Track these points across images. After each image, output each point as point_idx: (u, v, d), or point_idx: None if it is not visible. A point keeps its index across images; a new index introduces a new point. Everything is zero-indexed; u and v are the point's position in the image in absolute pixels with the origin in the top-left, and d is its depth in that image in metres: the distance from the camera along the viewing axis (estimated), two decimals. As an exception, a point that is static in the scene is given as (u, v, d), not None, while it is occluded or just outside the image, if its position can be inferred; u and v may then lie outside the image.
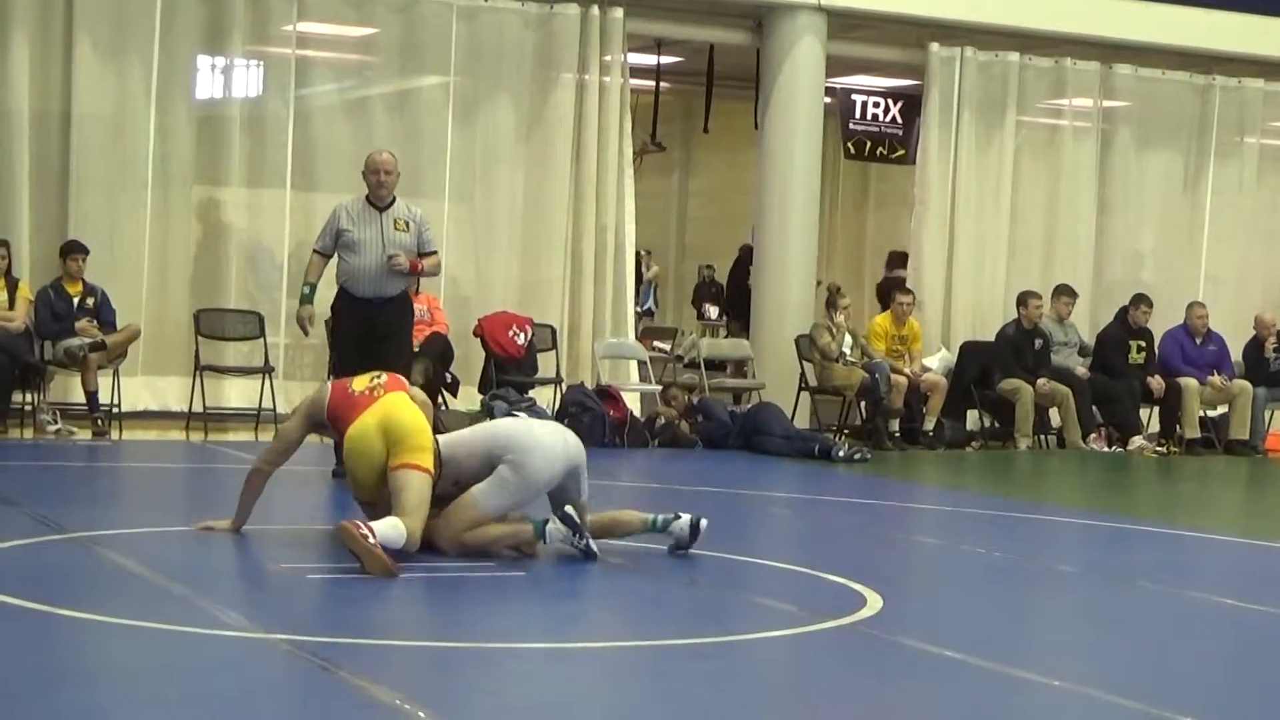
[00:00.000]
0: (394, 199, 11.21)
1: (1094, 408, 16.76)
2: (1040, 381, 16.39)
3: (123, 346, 14.22)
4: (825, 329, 16.08)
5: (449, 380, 14.90)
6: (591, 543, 8.25)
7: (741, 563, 8.79)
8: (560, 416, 14.84)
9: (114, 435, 13.93)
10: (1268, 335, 17.60)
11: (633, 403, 15.77)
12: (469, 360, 15.49)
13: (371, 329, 11.03)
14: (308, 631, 6.53)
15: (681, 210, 24.44)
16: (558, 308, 16.22)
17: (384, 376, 8.65)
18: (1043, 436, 16.91)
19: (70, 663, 6.06)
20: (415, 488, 8.07)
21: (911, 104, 18.14)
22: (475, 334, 15.47)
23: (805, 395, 16.37)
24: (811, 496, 12.67)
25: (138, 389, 14.84)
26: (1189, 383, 16.96)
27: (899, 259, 18.91)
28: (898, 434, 16.12)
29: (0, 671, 5.74)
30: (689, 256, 24.10)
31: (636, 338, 17.24)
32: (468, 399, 15.13)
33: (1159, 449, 16.75)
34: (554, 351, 16.00)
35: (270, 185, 15.43)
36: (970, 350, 17.05)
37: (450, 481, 8.28)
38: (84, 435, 13.72)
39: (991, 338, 17.03)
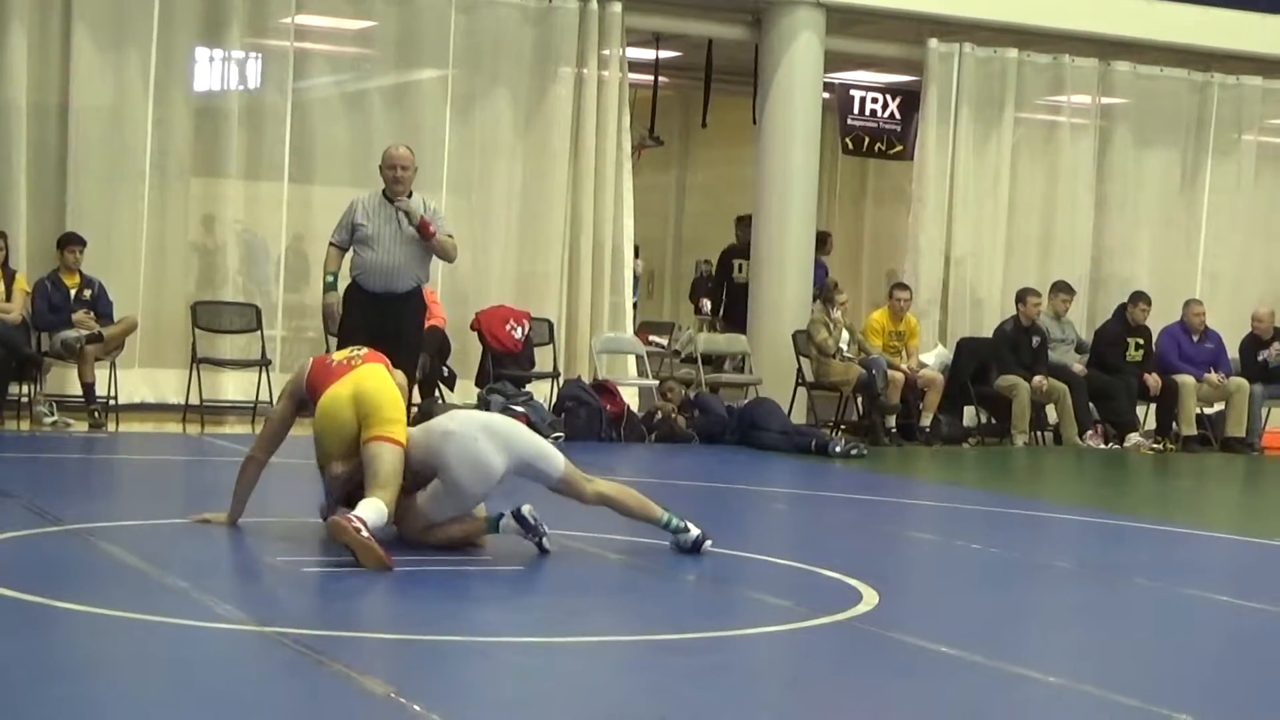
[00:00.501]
0: (410, 194, 11.22)
1: (1090, 404, 16.77)
2: (1037, 378, 16.39)
3: (120, 338, 14.21)
4: (822, 325, 16.08)
5: (446, 374, 14.90)
6: (545, 541, 8.22)
7: (738, 558, 8.79)
8: (557, 411, 14.86)
9: (111, 427, 13.93)
10: (1265, 332, 17.57)
11: (630, 397, 15.77)
12: (466, 354, 15.50)
13: (381, 324, 10.99)
14: (303, 624, 6.54)
15: (679, 205, 24.44)
16: (555, 302, 16.22)
17: (364, 350, 8.67)
18: (1039, 433, 16.91)
19: (67, 655, 6.07)
20: (387, 459, 8.07)
21: (910, 100, 18.15)
22: (472, 328, 15.47)
23: (802, 391, 16.37)
24: (808, 492, 12.67)
25: (135, 381, 14.83)
26: (1186, 380, 16.97)
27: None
28: (894, 430, 16.12)
29: (-4, 663, 5.74)
30: (686, 251, 24.09)
31: (634, 332, 17.24)
32: (464, 393, 15.14)
33: (1155, 446, 16.75)
34: (551, 345, 16.00)
35: (268, 178, 15.42)
36: (967, 346, 17.06)
37: (410, 472, 8.24)
38: (81, 427, 13.71)
39: (989, 334, 17.04)
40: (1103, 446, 16.57)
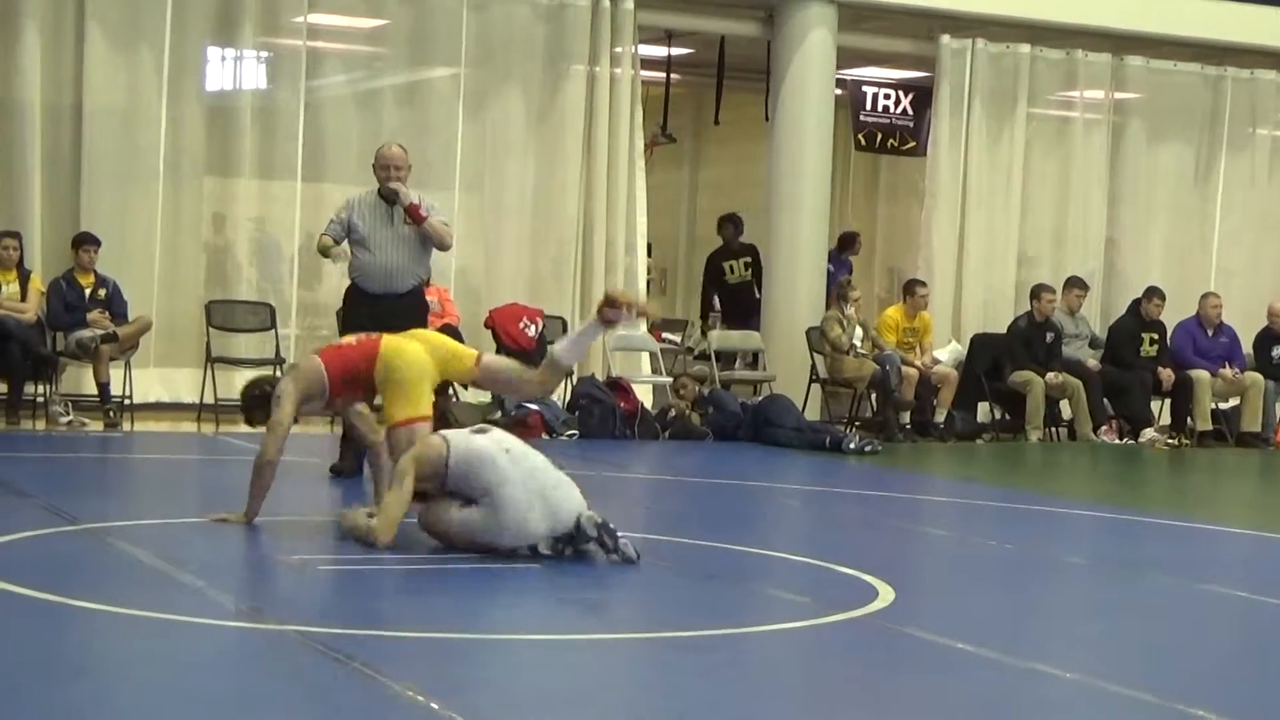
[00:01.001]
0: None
1: (1105, 400, 16.75)
2: (1051, 374, 16.38)
3: (134, 338, 14.23)
4: (836, 321, 16.08)
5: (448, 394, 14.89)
6: (543, 545, 8.15)
7: (752, 555, 8.79)
8: (571, 409, 14.86)
9: (125, 427, 13.94)
10: (1280, 326, 17.56)
11: (644, 395, 15.77)
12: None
13: (384, 325, 10.95)
14: (319, 622, 6.54)
15: (691, 202, 24.41)
16: (568, 299, 16.22)
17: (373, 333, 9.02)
18: (1054, 429, 16.89)
19: (82, 653, 6.08)
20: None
21: (922, 96, 18.14)
22: (486, 326, 15.47)
23: (816, 387, 16.37)
24: (822, 488, 12.66)
25: (149, 380, 14.84)
26: (1200, 375, 16.95)
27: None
28: (908, 426, 16.12)
29: (13, 661, 5.75)
30: (699, 248, 24.05)
31: (648, 330, 17.23)
32: (478, 392, 15.13)
33: (1170, 441, 16.72)
34: (564, 343, 15.96)
35: (281, 177, 15.43)
36: (981, 342, 17.04)
37: (448, 480, 8.18)
38: (96, 427, 13.73)
39: (1002, 330, 17.02)
40: (1117, 442, 16.55)
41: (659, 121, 19.18)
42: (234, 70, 15.82)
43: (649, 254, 22.90)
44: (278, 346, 14.92)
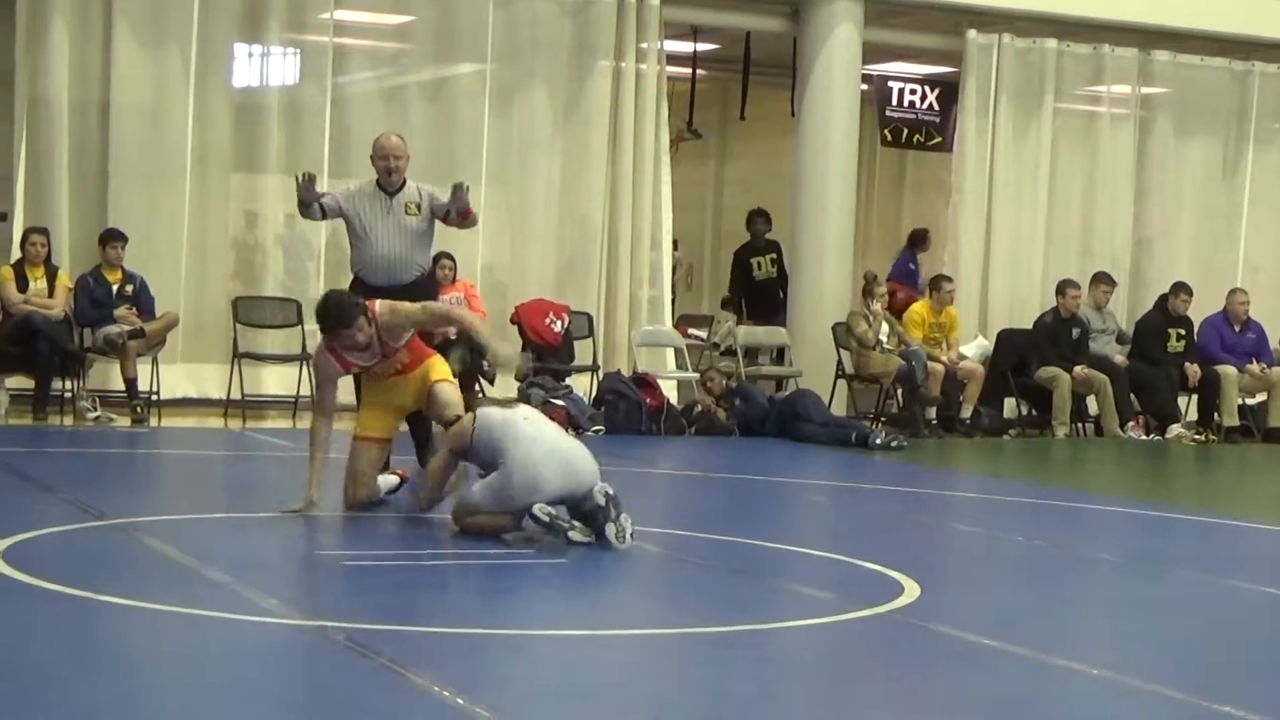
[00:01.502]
0: (404, 183, 10.90)
1: (1131, 396, 16.72)
2: (1078, 370, 16.35)
3: (161, 334, 14.27)
4: (862, 317, 16.06)
5: (485, 368, 14.91)
6: (574, 533, 8.24)
7: (778, 550, 8.79)
8: (597, 404, 14.88)
9: (153, 422, 13.98)
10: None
11: (669, 390, 15.77)
12: (505, 348, 15.50)
13: None
14: (347, 618, 6.55)
15: (717, 198, 24.40)
16: (594, 295, 16.23)
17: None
18: (1080, 425, 16.87)
19: (110, 648, 6.10)
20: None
21: (948, 91, 18.11)
22: (512, 321, 15.49)
23: (842, 383, 16.36)
24: (848, 484, 12.66)
25: (176, 376, 14.89)
26: (1227, 370, 16.90)
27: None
28: (934, 422, 16.09)
29: (41, 656, 5.77)
30: (725, 244, 24.04)
31: (673, 325, 17.24)
32: (504, 387, 15.15)
33: (1197, 437, 16.69)
34: (590, 339, 16.00)
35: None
36: (1007, 338, 17.02)
37: (475, 449, 8.52)
38: (123, 422, 13.77)
39: (1029, 325, 16.99)
40: (1144, 438, 16.52)
41: (685, 117, 19.17)
42: (261, 67, 15.86)
43: (675, 247, 22.91)
44: (304, 342, 14.92)
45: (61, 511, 8.96)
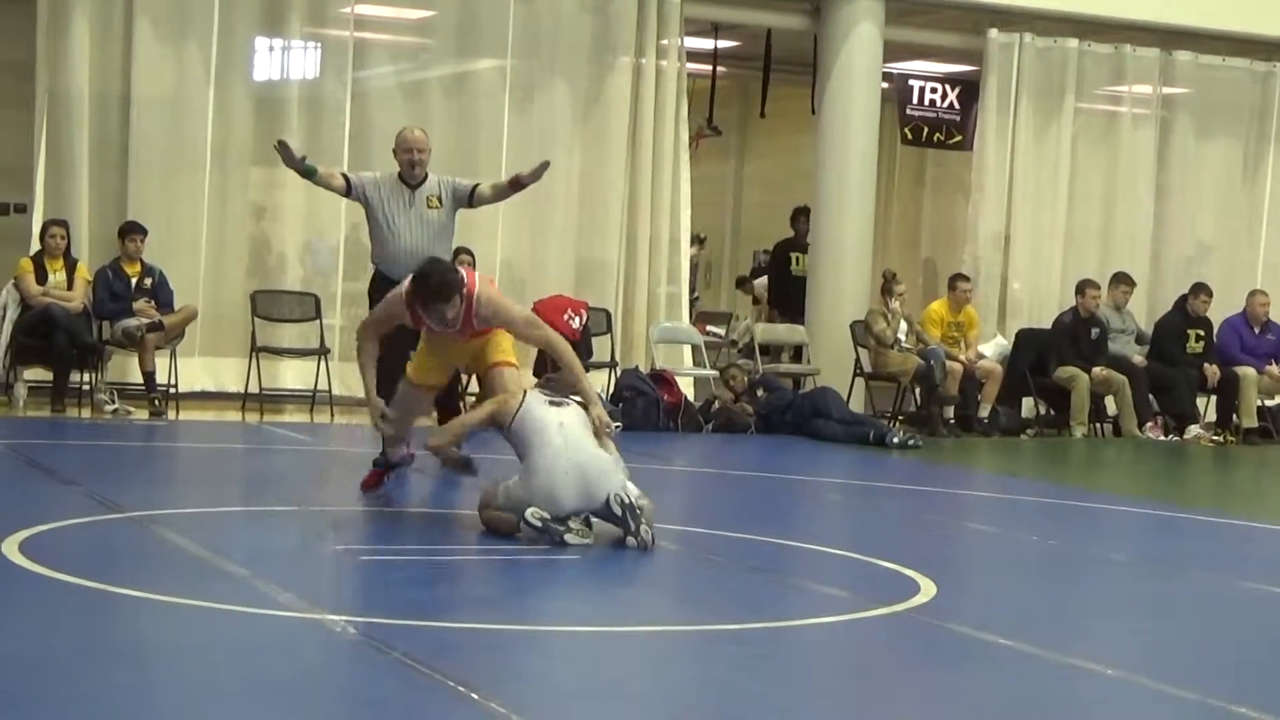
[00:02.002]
0: (426, 176, 10.95)
1: (1150, 396, 16.68)
2: (1096, 370, 16.32)
3: (180, 327, 14.29)
4: (880, 315, 16.05)
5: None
6: (571, 536, 8.18)
7: (794, 548, 8.79)
8: (615, 401, 14.87)
9: (171, 415, 14.00)
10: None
11: (686, 387, 15.77)
12: (524, 344, 15.46)
13: None
14: (361, 612, 6.56)
15: (737, 195, 24.40)
16: (613, 292, 16.23)
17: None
18: (1098, 425, 16.84)
19: (127, 641, 6.12)
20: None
21: (969, 90, 18.09)
22: (530, 317, 15.47)
23: (860, 381, 16.34)
24: (865, 483, 12.65)
25: (195, 369, 14.91)
26: (1246, 372, 16.86)
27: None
28: (952, 421, 16.08)
29: (58, 649, 5.78)
30: (744, 242, 24.06)
31: (691, 322, 17.23)
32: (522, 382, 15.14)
33: (1215, 438, 16.65)
34: (609, 335, 16.00)
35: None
36: (1026, 337, 16.99)
37: (509, 436, 8.51)
38: (141, 415, 13.80)
39: (1048, 325, 16.96)
40: (1162, 439, 16.49)
41: (705, 114, 19.16)
42: (281, 61, 15.87)
43: (701, 244, 22.91)
44: (322, 337, 14.96)
45: (79, 504, 8.97)
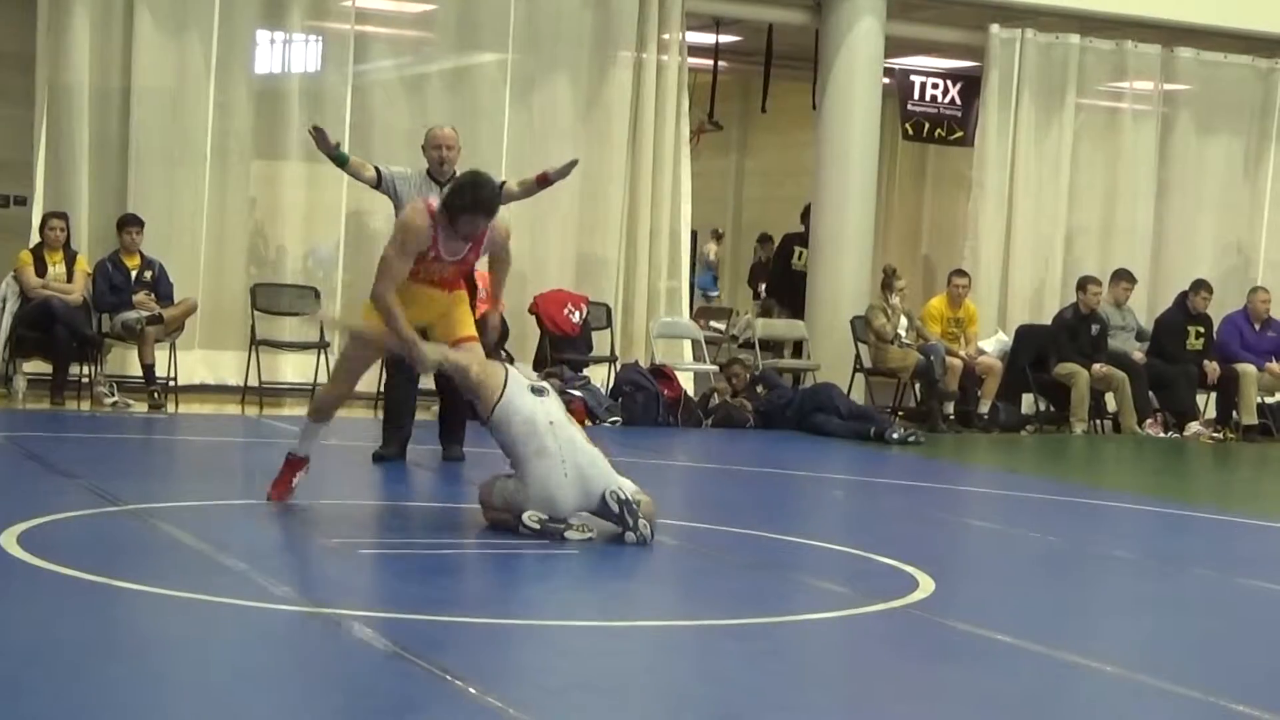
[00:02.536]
0: (454, 173, 11.02)
1: (1150, 393, 16.68)
2: (1096, 366, 16.31)
3: (180, 320, 14.29)
4: (880, 310, 16.05)
5: (503, 358, 14.91)
6: (572, 532, 8.18)
7: (793, 543, 8.78)
8: (614, 395, 14.87)
9: (170, 408, 14.00)
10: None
11: (686, 382, 15.76)
12: (524, 338, 15.50)
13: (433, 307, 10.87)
14: (359, 606, 6.56)
15: (738, 190, 24.42)
16: (613, 286, 16.22)
17: None
18: (1098, 421, 16.83)
19: (125, 633, 6.12)
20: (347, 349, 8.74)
21: (971, 85, 18.08)
22: (530, 311, 15.49)
23: (860, 377, 16.33)
24: (864, 478, 12.65)
25: (194, 363, 14.91)
26: (1247, 369, 16.85)
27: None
28: (952, 417, 16.08)
29: (57, 641, 5.78)
30: (745, 237, 24.07)
31: (691, 317, 17.23)
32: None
33: (1215, 435, 16.65)
34: (609, 330, 16.00)
35: (327, 160, 15.38)
36: (1026, 334, 16.98)
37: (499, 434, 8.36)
38: (140, 408, 13.79)
39: (1048, 321, 16.96)
40: (1162, 435, 16.48)
41: (706, 109, 19.17)
42: (282, 54, 15.87)
43: (719, 239, 22.89)
44: (322, 330, 14.95)
45: (78, 497, 8.97)
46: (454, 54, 16.02)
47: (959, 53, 18.43)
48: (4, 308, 13.95)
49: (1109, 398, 16.78)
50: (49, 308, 13.74)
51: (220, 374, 15.14)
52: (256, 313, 14.87)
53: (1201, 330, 17.12)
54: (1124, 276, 17.26)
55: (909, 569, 7.88)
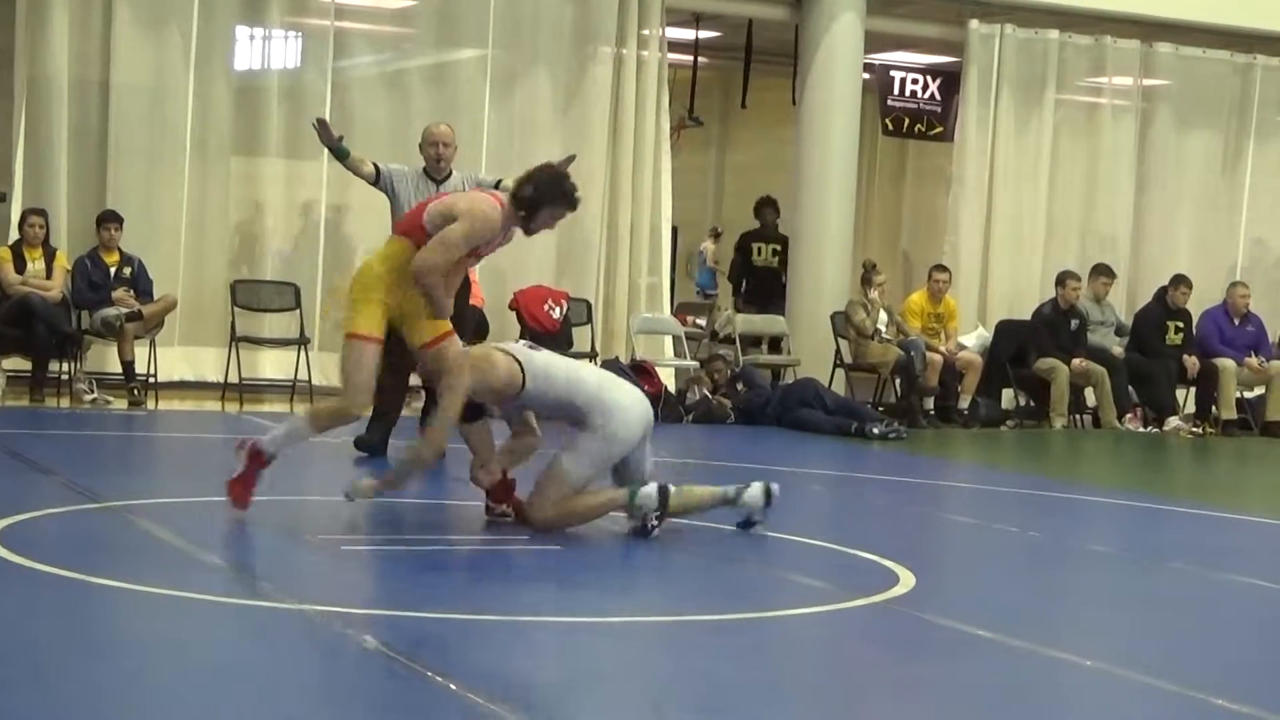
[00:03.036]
0: (450, 171, 11.11)
1: (1129, 388, 16.71)
2: (1076, 361, 16.34)
3: (159, 317, 14.27)
4: (860, 306, 16.06)
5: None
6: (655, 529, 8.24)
7: (775, 539, 8.78)
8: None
9: (150, 405, 13.98)
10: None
11: (667, 378, 15.76)
12: (504, 334, 15.46)
13: None
14: (341, 602, 6.55)
15: (718, 186, 24.41)
16: (593, 282, 16.22)
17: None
18: (1078, 416, 16.86)
19: (105, 631, 6.10)
20: (349, 358, 8.11)
21: (950, 81, 18.11)
22: (511, 308, 15.48)
23: (840, 372, 16.35)
24: (845, 473, 12.65)
25: (174, 359, 14.89)
26: (1226, 363, 16.89)
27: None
28: (932, 412, 16.10)
29: (35, 639, 5.77)
30: (726, 232, 24.04)
31: (672, 313, 17.23)
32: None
33: (1194, 430, 16.69)
34: (589, 326, 16.00)
35: (308, 156, 15.42)
36: (1006, 329, 17.01)
37: (518, 406, 8.26)
38: (120, 405, 13.77)
39: (1028, 316, 16.98)
40: (1142, 430, 16.52)
41: (686, 104, 19.17)
42: (262, 50, 15.84)
43: (717, 238, 22.81)
44: (302, 326, 14.94)
45: (57, 494, 8.95)
46: (434, 50, 16.02)
47: (938, 48, 18.45)
48: (-18, 304, 13.93)
49: (1089, 393, 16.82)
50: (28, 304, 13.71)
51: (200, 370, 15.12)
52: (236, 309, 14.86)
53: (1180, 325, 17.16)
54: (1103, 271, 17.30)
55: (889, 564, 7.89)
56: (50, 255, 14.06)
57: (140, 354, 14.08)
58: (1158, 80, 18.56)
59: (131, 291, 14.10)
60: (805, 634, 6.72)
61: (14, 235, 14.17)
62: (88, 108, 14.72)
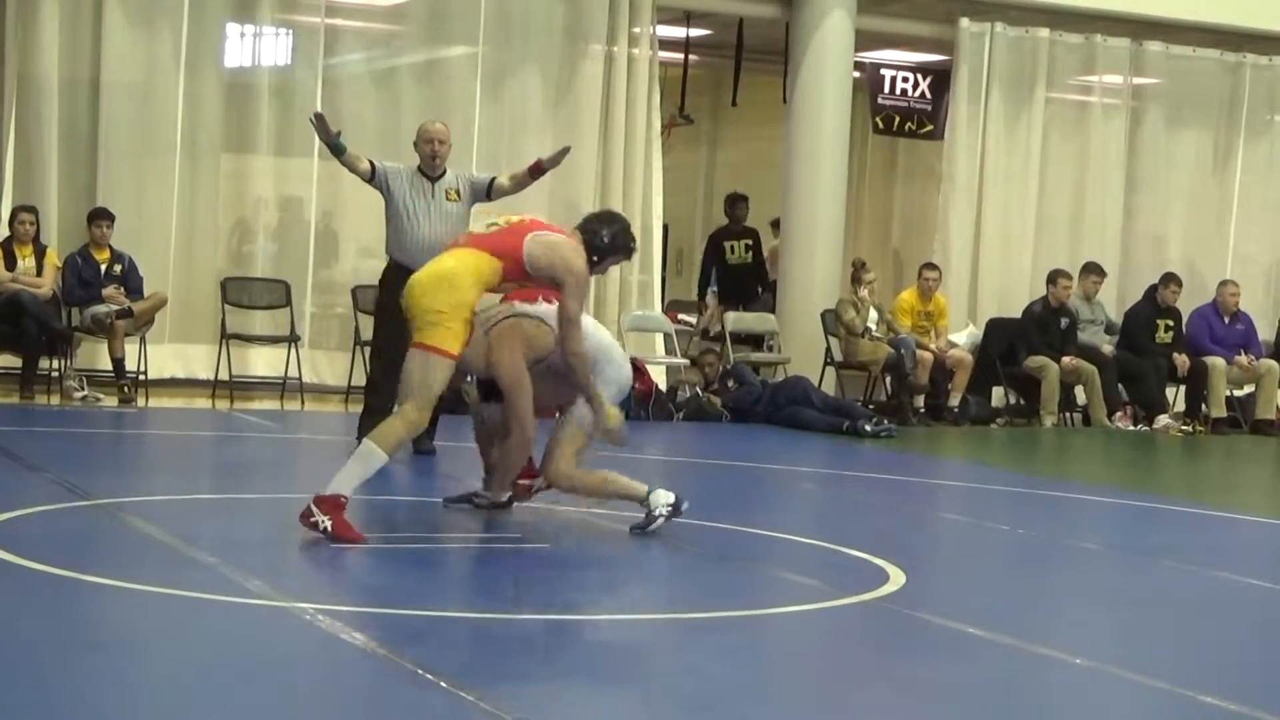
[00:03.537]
0: (445, 169, 11.12)
1: (1120, 386, 16.73)
2: (1066, 359, 16.36)
3: (150, 314, 14.26)
4: (850, 304, 16.07)
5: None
6: (654, 526, 8.27)
7: (765, 537, 8.79)
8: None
9: (140, 402, 13.97)
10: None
11: (658, 375, 15.76)
12: (495, 331, 15.47)
13: None
14: (331, 600, 6.55)
15: (709, 184, 24.37)
16: (584, 279, 16.17)
17: (510, 220, 8.38)
18: (1068, 414, 16.88)
19: (95, 629, 6.10)
20: (412, 369, 7.94)
21: (941, 79, 18.11)
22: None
23: (831, 370, 16.36)
24: (835, 471, 12.66)
25: (164, 356, 14.87)
26: (1216, 362, 16.91)
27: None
28: (923, 410, 16.11)
29: (26, 637, 5.77)
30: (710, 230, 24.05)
31: (663, 310, 17.23)
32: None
33: (1184, 428, 16.71)
34: (580, 323, 15.96)
35: (298, 154, 15.43)
36: (996, 327, 17.02)
37: (546, 365, 8.33)
38: (110, 402, 13.75)
39: (1018, 314, 16.99)
40: (1132, 428, 16.54)
41: (676, 102, 19.15)
42: (252, 47, 15.82)
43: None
44: (293, 324, 14.93)
45: (47, 491, 8.94)
46: (424, 47, 16.00)
47: (929, 46, 18.46)
48: (-28, 301, 13.91)
49: (1079, 391, 16.83)
50: (18, 301, 13.69)
51: (190, 368, 15.10)
52: (227, 306, 14.84)
53: (1170, 323, 17.17)
54: (1093, 270, 17.31)
55: (880, 562, 7.90)
56: (40, 252, 14.04)
57: (131, 351, 14.07)
58: (1148, 79, 18.57)
59: (122, 289, 14.09)
60: (796, 632, 6.73)
61: (4, 232, 14.14)
62: (78, 105, 14.69)
